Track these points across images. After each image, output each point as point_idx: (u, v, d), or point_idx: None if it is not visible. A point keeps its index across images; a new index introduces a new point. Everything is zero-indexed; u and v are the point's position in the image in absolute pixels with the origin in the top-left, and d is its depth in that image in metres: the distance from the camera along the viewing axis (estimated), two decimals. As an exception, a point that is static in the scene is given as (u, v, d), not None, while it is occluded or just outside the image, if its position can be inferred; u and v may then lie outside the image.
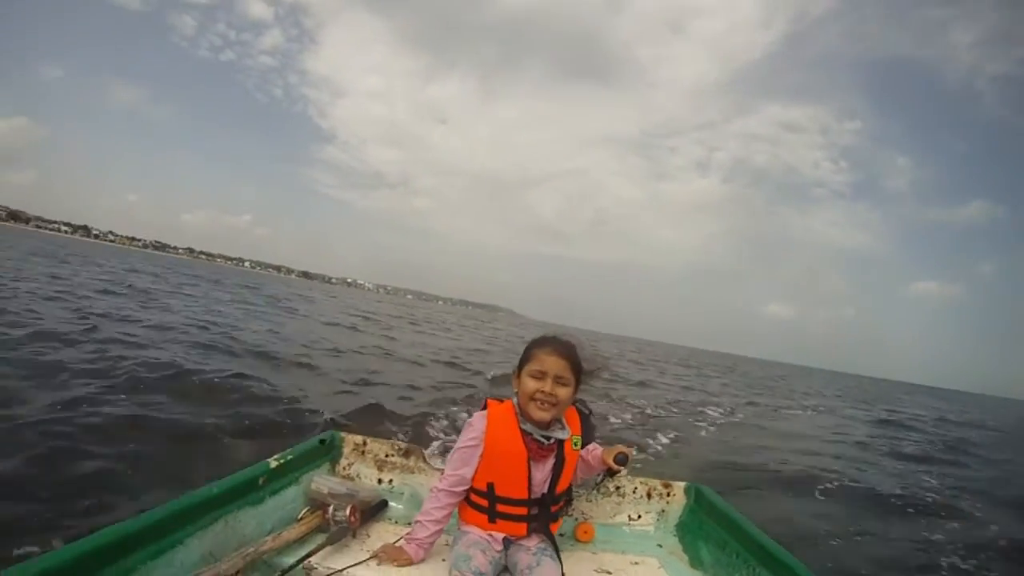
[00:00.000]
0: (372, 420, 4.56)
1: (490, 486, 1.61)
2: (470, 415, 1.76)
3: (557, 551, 1.61)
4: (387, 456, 2.16)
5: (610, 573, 1.76)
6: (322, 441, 2.09)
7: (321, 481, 1.87)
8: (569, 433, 1.68)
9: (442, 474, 1.66)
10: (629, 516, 2.14)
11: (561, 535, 1.96)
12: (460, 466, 1.62)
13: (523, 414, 1.64)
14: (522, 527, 1.62)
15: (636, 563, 1.87)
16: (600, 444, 1.81)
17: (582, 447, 1.82)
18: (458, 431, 1.72)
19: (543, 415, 1.61)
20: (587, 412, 2.02)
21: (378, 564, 1.54)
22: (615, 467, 1.73)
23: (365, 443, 2.18)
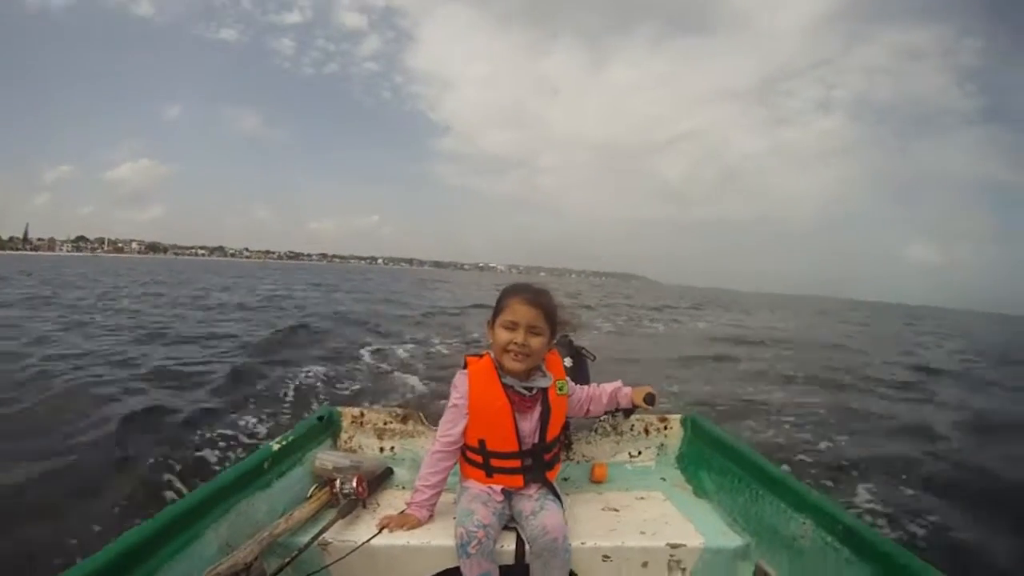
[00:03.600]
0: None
1: (481, 442, 1.63)
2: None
3: (558, 495, 1.64)
4: (386, 424, 2.18)
5: (617, 510, 1.79)
6: (320, 418, 2.10)
7: (325, 457, 1.88)
8: (552, 379, 1.68)
9: (435, 436, 1.69)
10: (630, 453, 2.17)
11: (566, 479, 2.01)
12: (450, 427, 1.64)
13: (500, 367, 1.64)
14: (518, 479, 1.64)
15: (642, 498, 1.91)
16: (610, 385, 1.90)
17: (580, 386, 1.87)
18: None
19: (517, 366, 1.61)
20: (592, 358, 2.09)
21: (390, 532, 1.57)
22: (645, 406, 1.82)
23: (362, 414, 2.19)
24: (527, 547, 1.52)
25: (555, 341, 1.99)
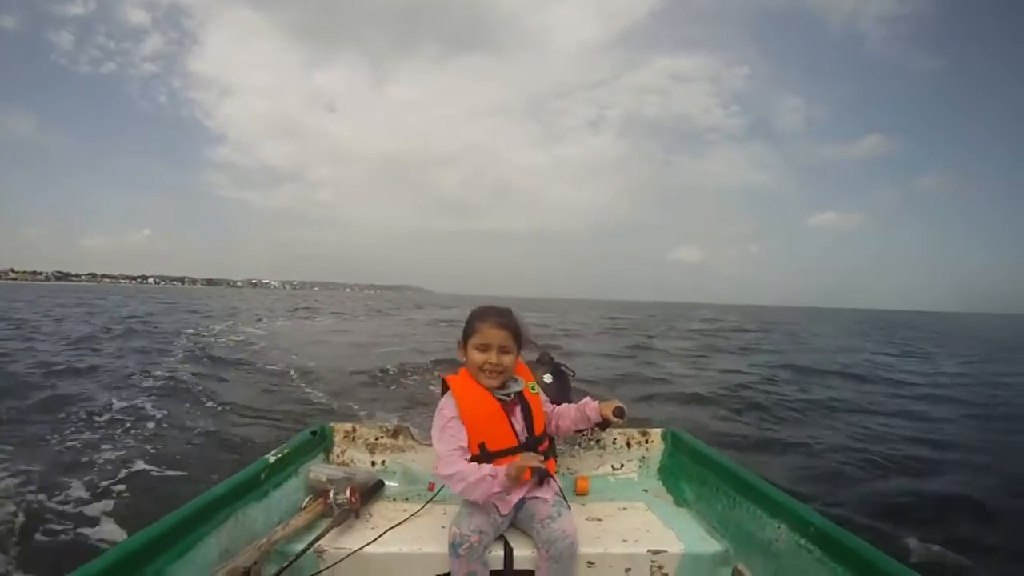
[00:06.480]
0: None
1: (482, 446, 1.70)
2: None
3: (567, 502, 1.71)
4: (377, 439, 2.25)
5: (600, 520, 1.87)
6: (313, 433, 2.17)
7: (319, 470, 1.95)
8: (523, 382, 1.81)
9: (436, 462, 1.68)
10: (612, 466, 2.28)
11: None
12: (454, 442, 1.67)
13: (476, 381, 1.76)
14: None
15: (624, 508, 1.98)
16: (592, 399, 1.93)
17: (562, 404, 1.96)
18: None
19: (493, 383, 1.74)
20: (571, 374, 2.19)
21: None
22: (613, 420, 1.85)
23: (355, 429, 2.26)
24: (535, 551, 1.58)
25: (537, 359, 2.14)
